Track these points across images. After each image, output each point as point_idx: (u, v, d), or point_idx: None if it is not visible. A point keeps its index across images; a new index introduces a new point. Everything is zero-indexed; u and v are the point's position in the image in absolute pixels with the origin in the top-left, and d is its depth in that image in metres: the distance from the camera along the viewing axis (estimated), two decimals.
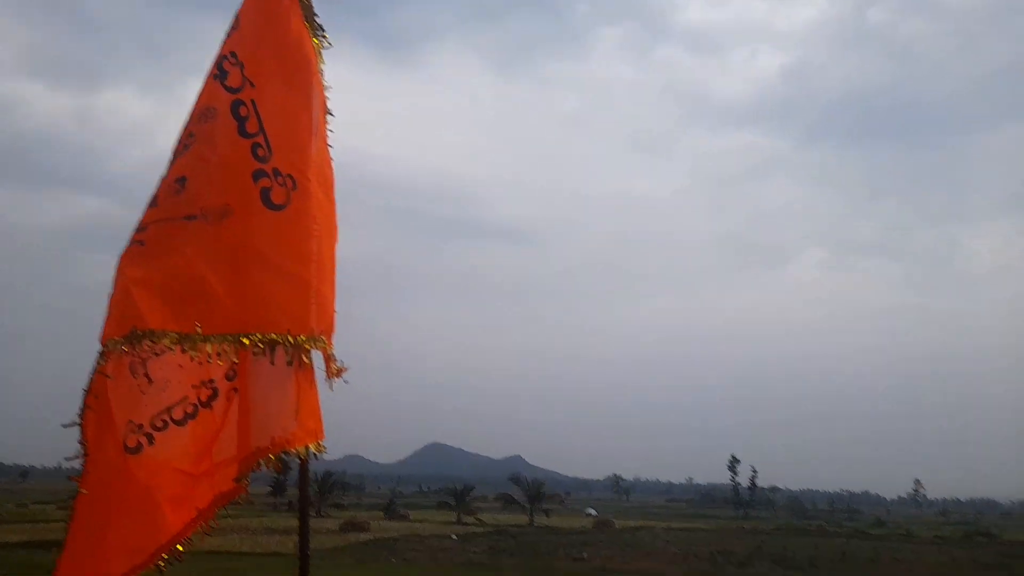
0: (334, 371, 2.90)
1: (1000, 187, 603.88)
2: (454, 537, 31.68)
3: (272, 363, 2.75)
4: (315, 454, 2.86)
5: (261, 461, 2.79)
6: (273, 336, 2.73)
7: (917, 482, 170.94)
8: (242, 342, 2.72)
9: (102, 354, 2.86)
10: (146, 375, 2.82)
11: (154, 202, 3.04)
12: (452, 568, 21.52)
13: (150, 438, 2.80)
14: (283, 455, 2.81)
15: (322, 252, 2.95)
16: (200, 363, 2.82)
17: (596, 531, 41.47)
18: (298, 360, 2.77)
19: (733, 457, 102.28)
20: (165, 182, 3.04)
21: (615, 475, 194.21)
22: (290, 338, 2.75)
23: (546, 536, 34.69)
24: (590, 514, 66.57)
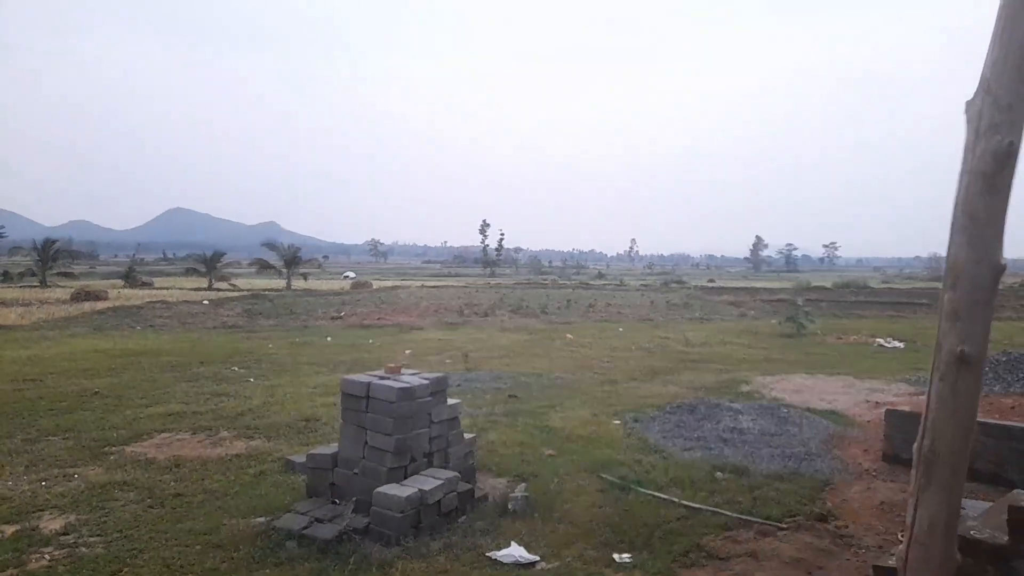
0: None
1: None
2: (205, 302, 30.80)
3: None
4: None
5: None
6: None
7: (632, 241, 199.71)
8: None
9: None
10: None
11: None
12: (205, 332, 21.19)
13: None
14: None
15: None
16: None
17: (354, 292, 42.94)
18: None
19: (484, 222, 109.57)
20: None
21: (373, 239, 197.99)
22: None
23: (303, 298, 35.22)
24: (348, 277, 68.33)
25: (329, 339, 19.40)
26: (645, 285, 59.11)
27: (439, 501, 5.78)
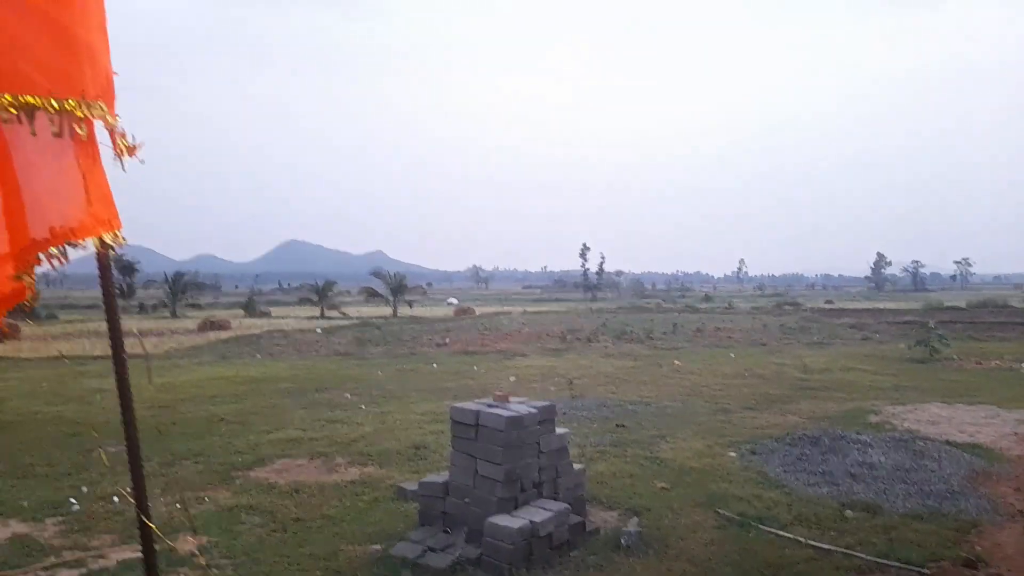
0: (124, 148, 2.37)
1: None
2: (319, 331, 32.28)
3: (33, 134, 2.23)
4: (112, 246, 2.41)
5: (41, 255, 2.32)
6: (29, 99, 2.18)
7: (741, 261, 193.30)
8: None
9: None
10: None
11: None
12: (319, 359, 22.14)
13: None
14: (68, 247, 2.33)
15: None
16: None
17: (457, 318, 43.78)
18: (69, 131, 2.25)
19: (584, 245, 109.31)
20: None
21: (475, 266, 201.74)
22: (53, 102, 2.20)
23: (409, 325, 36.22)
24: (452, 303, 69.80)
25: (435, 366, 19.78)
26: (756, 308, 56.86)
27: (550, 533, 5.68)
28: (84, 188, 2.29)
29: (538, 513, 5.73)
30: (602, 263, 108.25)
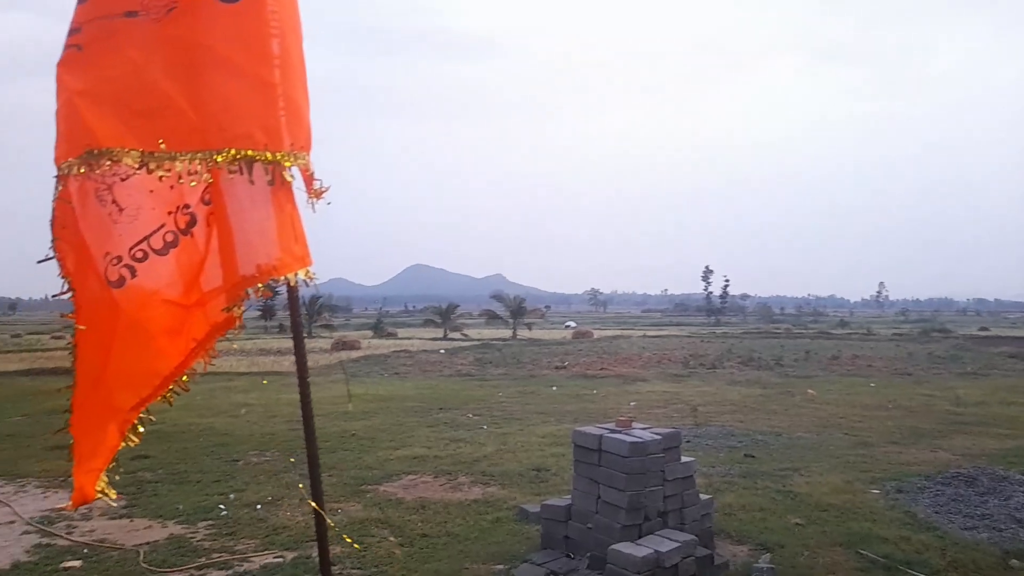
0: (316, 191, 2.64)
1: None
2: (442, 351, 33.21)
3: (251, 183, 2.50)
4: (305, 281, 2.69)
5: (250, 290, 2.63)
6: (250, 153, 2.46)
7: (880, 284, 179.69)
8: (215, 160, 2.46)
9: (58, 178, 2.62)
10: (114, 202, 2.60)
11: None
12: (442, 379, 22.76)
13: (131, 270, 2.65)
14: (272, 283, 2.65)
15: (288, 52, 2.56)
16: (172, 186, 2.59)
17: (576, 341, 43.65)
18: (279, 179, 2.52)
19: (707, 268, 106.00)
20: None
21: (593, 289, 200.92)
22: (268, 154, 2.47)
23: (529, 347, 36.50)
24: (570, 326, 69.76)
25: (554, 388, 19.78)
26: (899, 334, 52.77)
27: (676, 565, 5.50)
28: (287, 229, 2.60)
29: (663, 543, 5.57)
30: (726, 286, 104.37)
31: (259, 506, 7.90)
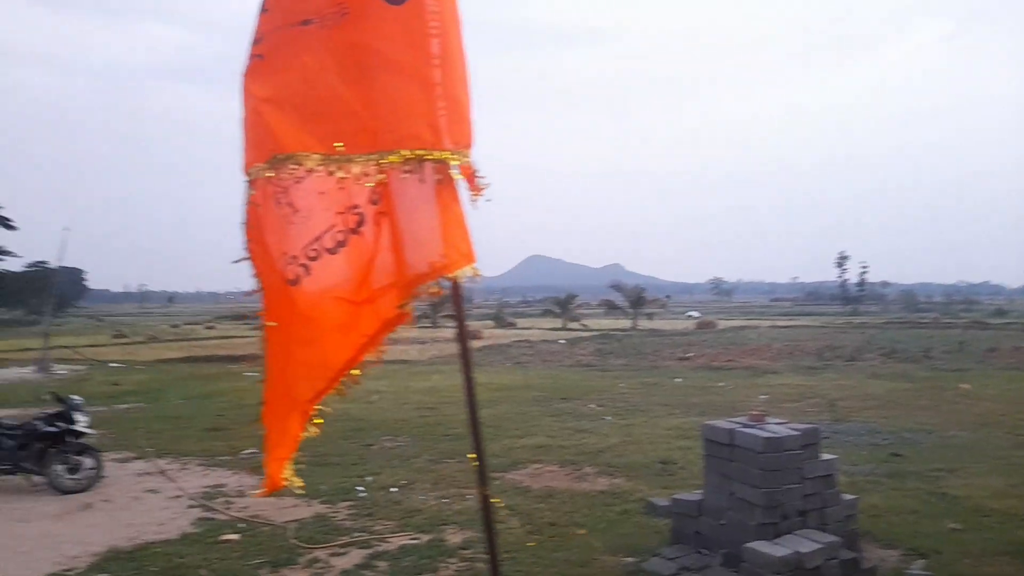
0: (478, 188, 2.66)
1: None
2: (562, 342, 33.34)
3: (422, 182, 2.57)
4: (472, 278, 2.72)
5: (421, 287, 2.70)
6: (421, 152, 2.53)
7: None
8: (388, 160, 2.54)
9: (249, 183, 2.79)
10: (290, 204, 2.73)
11: (264, 8, 2.80)
12: (563, 369, 22.84)
13: (306, 269, 2.78)
14: (441, 280, 2.70)
15: (449, 51, 2.61)
16: (342, 188, 2.67)
17: (699, 332, 42.43)
18: (446, 177, 2.56)
19: (841, 253, 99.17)
20: None
21: (716, 277, 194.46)
22: (436, 153, 2.54)
23: (650, 338, 35.88)
24: (692, 316, 67.75)
25: (678, 380, 19.32)
26: None
27: (818, 567, 5.22)
28: (453, 227, 2.67)
29: (804, 544, 5.30)
30: (863, 272, 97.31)
31: (393, 488, 8.26)
